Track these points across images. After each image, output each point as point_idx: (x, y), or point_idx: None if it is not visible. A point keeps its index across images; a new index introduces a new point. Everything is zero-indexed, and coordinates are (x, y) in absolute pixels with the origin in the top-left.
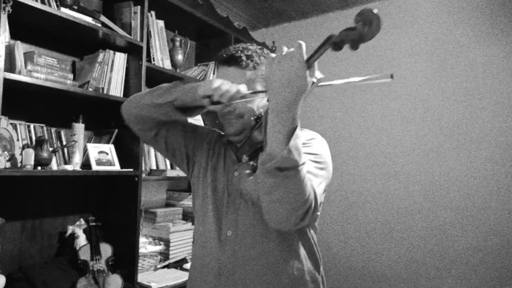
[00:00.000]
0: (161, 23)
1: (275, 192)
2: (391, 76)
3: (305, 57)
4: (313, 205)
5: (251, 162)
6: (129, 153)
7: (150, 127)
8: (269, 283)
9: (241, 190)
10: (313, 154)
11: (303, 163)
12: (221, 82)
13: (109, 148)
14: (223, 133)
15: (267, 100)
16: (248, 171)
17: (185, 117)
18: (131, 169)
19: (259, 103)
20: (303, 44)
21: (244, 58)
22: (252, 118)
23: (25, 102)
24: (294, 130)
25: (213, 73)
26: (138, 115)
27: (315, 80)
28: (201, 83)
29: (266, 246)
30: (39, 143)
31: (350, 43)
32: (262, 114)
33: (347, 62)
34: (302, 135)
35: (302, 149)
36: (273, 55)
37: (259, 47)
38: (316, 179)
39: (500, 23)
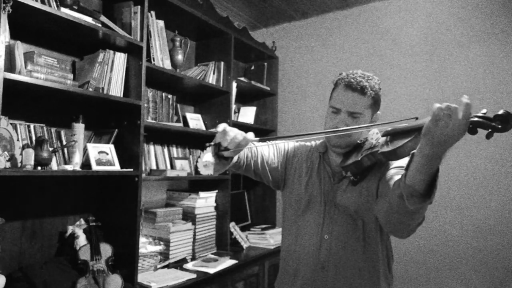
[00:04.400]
0: (161, 23)
1: (415, 217)
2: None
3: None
4: None
5: (352, 177)
6: (129, 153)
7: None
8: (354, 279)
9: (337, 201)
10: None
11: None
12: (227, 130)
13: (109, 148)
14: (316, 148)
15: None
16: (346, 185)
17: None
18: (131, 169)
19: (366, 131)
20: (471, 104)
21: (368, 88)
22: (358, 141)
23: (25, 102)
24: (437, 170)
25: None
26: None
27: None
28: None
29: (354, 248)
30: (39, 143)
31: (485, 130)
32: (369, 140)
33: (347, 63)
34: None
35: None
36: (437, 105)
37: (377, 79)
38: None
39: (500, 23)
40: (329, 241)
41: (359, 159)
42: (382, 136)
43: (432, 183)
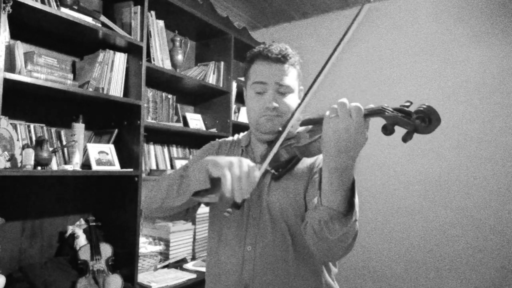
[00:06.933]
0: (161, 23)
1: (345, 237)
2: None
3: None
4: None
5: (273, 171)
6: (129, 153)
7: (179, 214)
8: None
9: (262, 200)
10: None
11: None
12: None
13: (109, 148)
14: (229, 142)
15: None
16: (270, 181)
17: (205, 200)
18: (131, 169)
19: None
20: (362, 109)
21: (291, 56)
22: (280, 128)
23: (25, 102)
24: (353, 184)
25: (213, 72)
26: (165, 217)
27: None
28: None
29: (283, 260)
30: (39, 143)
31: (404, 129)
32: (287, 130)
33: (347, 63)
34: None
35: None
36: (327, 113)
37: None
38: None
39: (500, 23)
40: (252, 254)
41: (276, 151)
42: (300, 125)
43: (351, 199)
